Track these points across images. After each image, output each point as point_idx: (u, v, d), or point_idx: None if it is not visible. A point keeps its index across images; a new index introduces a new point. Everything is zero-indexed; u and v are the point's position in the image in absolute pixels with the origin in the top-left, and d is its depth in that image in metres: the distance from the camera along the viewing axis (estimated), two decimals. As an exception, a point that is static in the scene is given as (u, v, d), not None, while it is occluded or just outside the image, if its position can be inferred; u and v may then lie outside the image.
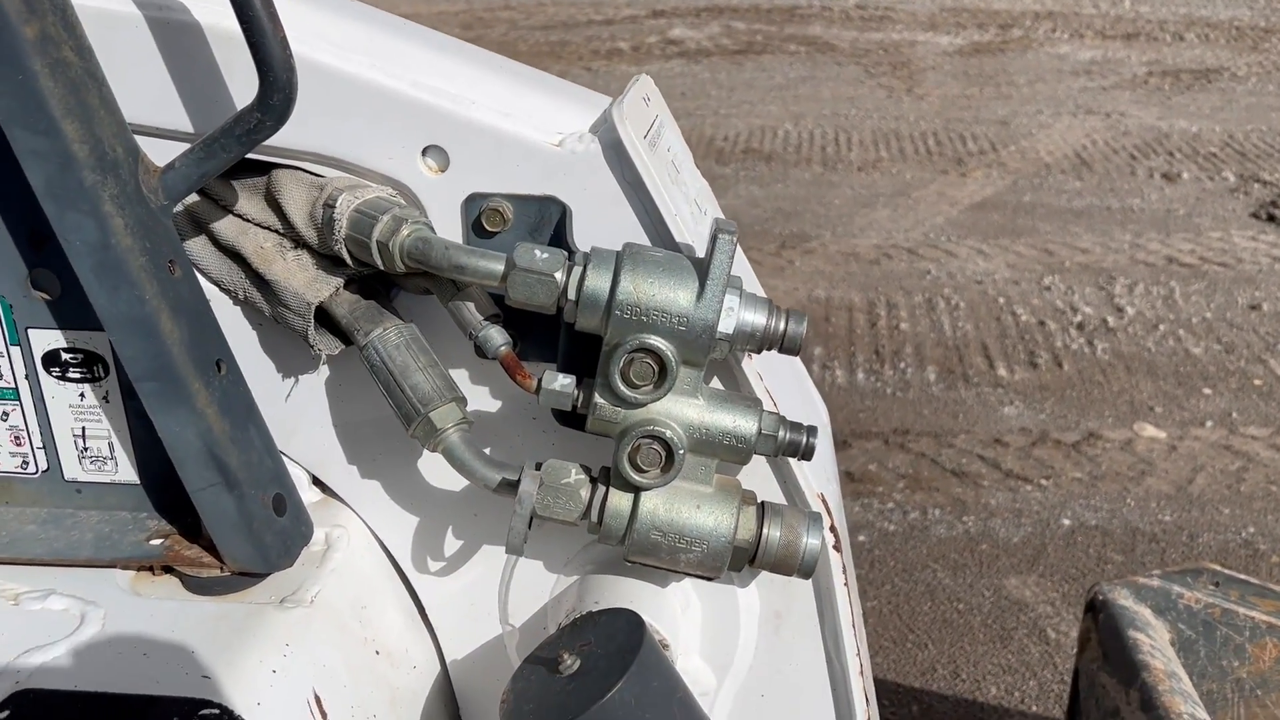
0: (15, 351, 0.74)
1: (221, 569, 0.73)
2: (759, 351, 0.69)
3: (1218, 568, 1.40)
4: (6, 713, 0.63)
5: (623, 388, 0.67)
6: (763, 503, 0.72)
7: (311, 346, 0.72)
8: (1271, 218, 5.16)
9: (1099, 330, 3.98)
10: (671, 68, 9.03)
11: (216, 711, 0.63)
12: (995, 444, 3.23)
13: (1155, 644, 1.32)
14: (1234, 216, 5.23)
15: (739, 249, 0.86)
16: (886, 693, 2.27)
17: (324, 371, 0.79)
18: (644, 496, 0.69)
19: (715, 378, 0.75)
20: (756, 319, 0.67)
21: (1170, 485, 3.02)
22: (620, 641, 0.67)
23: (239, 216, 0.74)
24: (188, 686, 0.64)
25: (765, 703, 0.79)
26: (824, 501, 0.76)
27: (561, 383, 0.70)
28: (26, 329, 0.74)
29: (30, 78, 0.59)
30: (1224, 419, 3.37)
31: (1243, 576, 1.40)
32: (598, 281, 0.66)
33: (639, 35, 10.47)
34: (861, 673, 0.76)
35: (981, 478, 3.06)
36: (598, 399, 0.68)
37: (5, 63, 0.59)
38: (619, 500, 0.70)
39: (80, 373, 0.75)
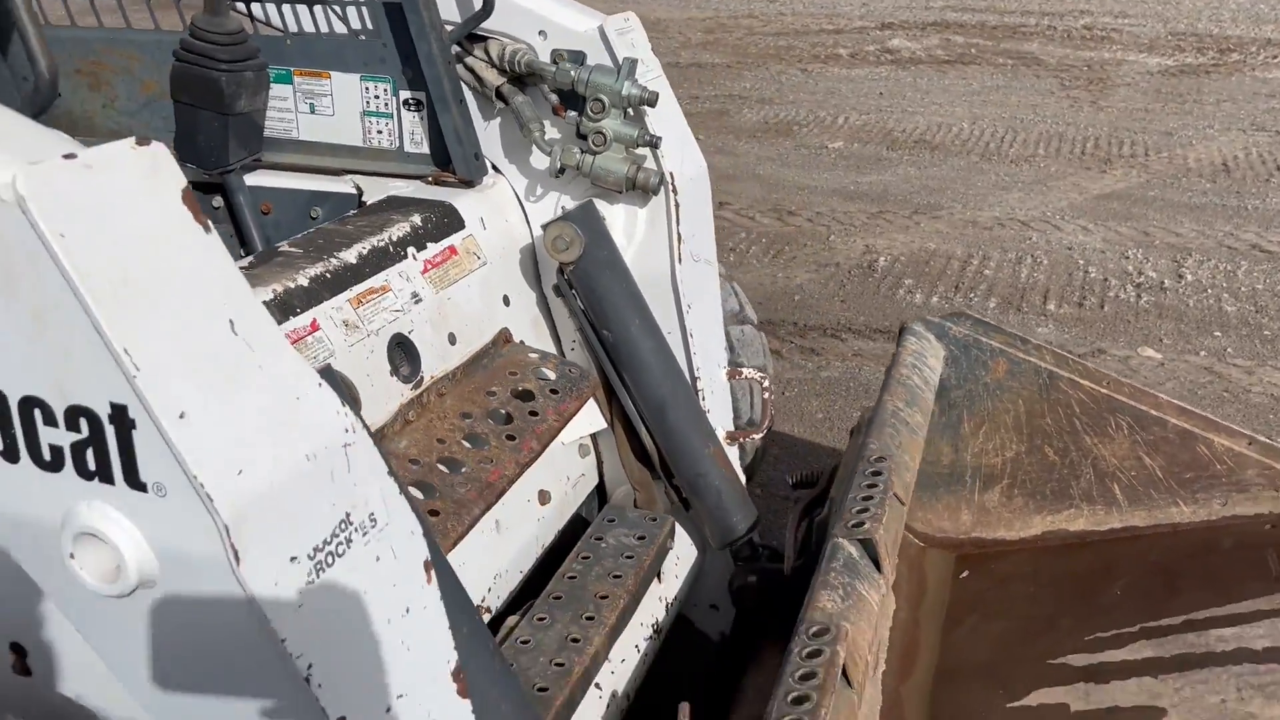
0: (394, 99, 2.08)
1: (457, 180, 2.04)
2: (640, 106, 1.92)
3: (971, 314, 2.47)
4: (386, 200, 1.96)
5: (591, 111, 1.92)
6: (640, 166, 1.95)
7: (494, 104, 2.02)
8: (1378, 222, 5.65)
9: (1152, 288, 4.80)
10: (879, 72, 10.02)
11: (454, 207, 1.93)
12: (1016, 348, 4.18)
13: (920, 351, 2.41)
14: (1342, 219, 5.75)
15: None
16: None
17: (489, 119, 2.08)
18: (597, 158, 1.94)
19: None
20: (635, 91, 1.90)
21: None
22: (584, 204, 1.92)
23: (475, 56, 2.05)
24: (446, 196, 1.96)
25: (647, 251, 2.01)
26: (671, 176, 1.98)
27: (571, 115, 1.96)
28: (398, 90, 2.07)
29: (429, 53, 1.91)
30: (1219, 352, 4.17)
31: (985, 320, 2.46)
32: (584, 75, 1.91)
33: (859, 44, 11.49)
34: (675, 234, 1.98)
35: (994, 366, 4.04)
36: (584, 120, 1.94)
37: (426, 62, 1.91)
38: (589, 158, 1.95)
39: (413, 109, 2.08)
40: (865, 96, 8.99)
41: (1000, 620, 2.37)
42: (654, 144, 1.94)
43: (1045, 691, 2.09)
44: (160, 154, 0.97)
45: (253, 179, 2.15)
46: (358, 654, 1.05)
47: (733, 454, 2.19)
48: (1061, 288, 4.82)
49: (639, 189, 1.95)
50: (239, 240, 2.18)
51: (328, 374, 1.18)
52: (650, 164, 1.98)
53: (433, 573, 1.17)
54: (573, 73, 1.92)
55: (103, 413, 0.91)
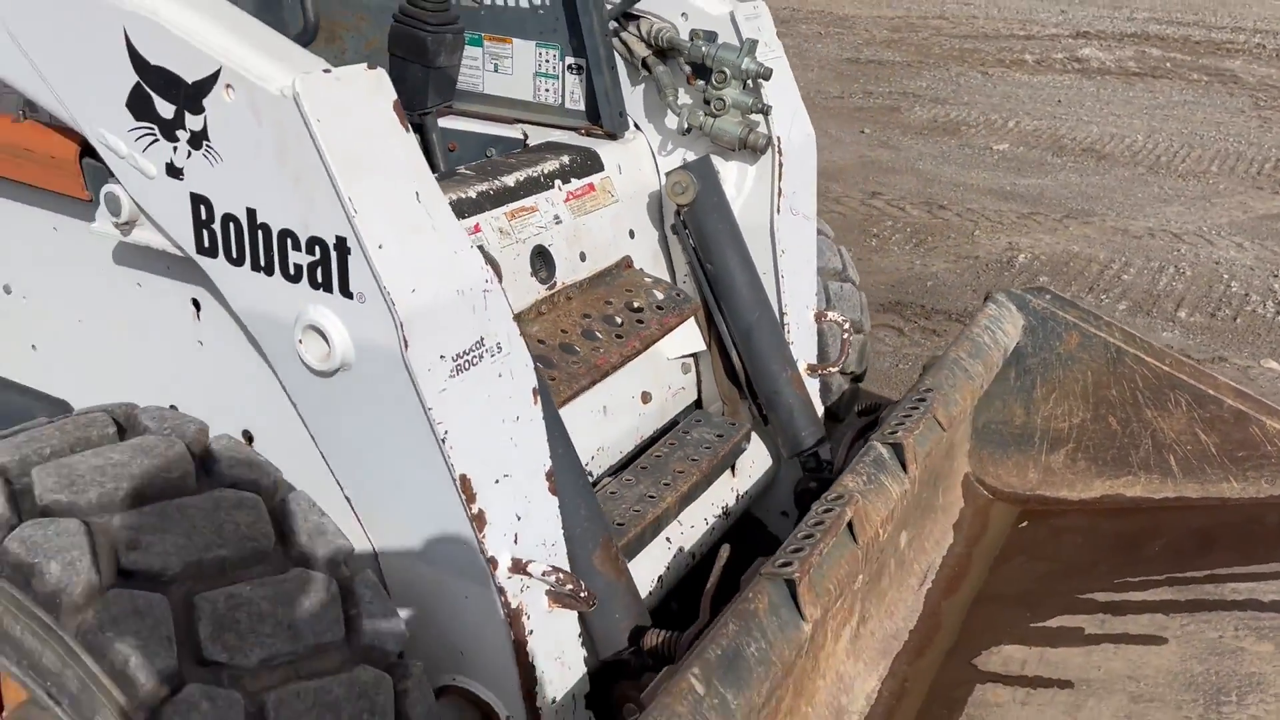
0: (560, 63, 2.54)
1: (604, 133, 2.48)
2: (756, 79, 2.30)
3: (1051, 289, 2.74)
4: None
5: (715, 81, 2.32)
6: (752, 130, 2.33)
7: (640, 72, 2.45)
8: None
9: (1293, 306, 4.81)
10: (1062, 80, 9.95)
11: (597, 153, 2.37)
12: (1135, 348, 4.33)
13: (998, 317, 2.70)
14: None
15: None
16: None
17: (635, 84, 2.50)
18: (716, 120, 2.34)
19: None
20: (753, 66, 2.29)
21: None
22: (701, 158, 2.33)
23: (628, 31, 2.48)
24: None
25: (752, 202, 2.39)
26: (778, 140, 2.36)
27: (700, 84, 2.37)
28: (564, 56, 2.53)
29: (591, 25, 2.36)
30: (1346, 371, 4.19)
31: (1064, 296, 2.72)
32: (713, 50, 2.31)
33: (1048, 51, 11.36)
34: (777, 189, 2.35)
35: (1108, 361, 4.20)
36: (709, 88, 2.34)
37: (588, 33, 2.36)
38: (710, 120, 2.35)
39: (575, 72, 2.53)
40: (1042, 103, 8.98)
41: (1044, 562, 2.66)
42: (765, 111, 2.32)
43: (1067, 617, 2.38)
44: (381, 76, 1.45)
45: (445, 122, 2.65)
46: (478, 434, 1.51)
47: (813, 386, 2.55)
48: (1198, 298, 4.89)
49: (749, 149, 2.34)
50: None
51: (481, 249, 1.64)
52: (762, 129, 2.37)
53: (539, 398, 1.62)
54: (704, 48, 2.32)
55: (330, 241, 1.39)
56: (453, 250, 1.47)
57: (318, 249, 1.41)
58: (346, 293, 1.41)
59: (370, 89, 1.42)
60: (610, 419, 2.26)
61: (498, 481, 1.55)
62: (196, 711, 1.23)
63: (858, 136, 7.68)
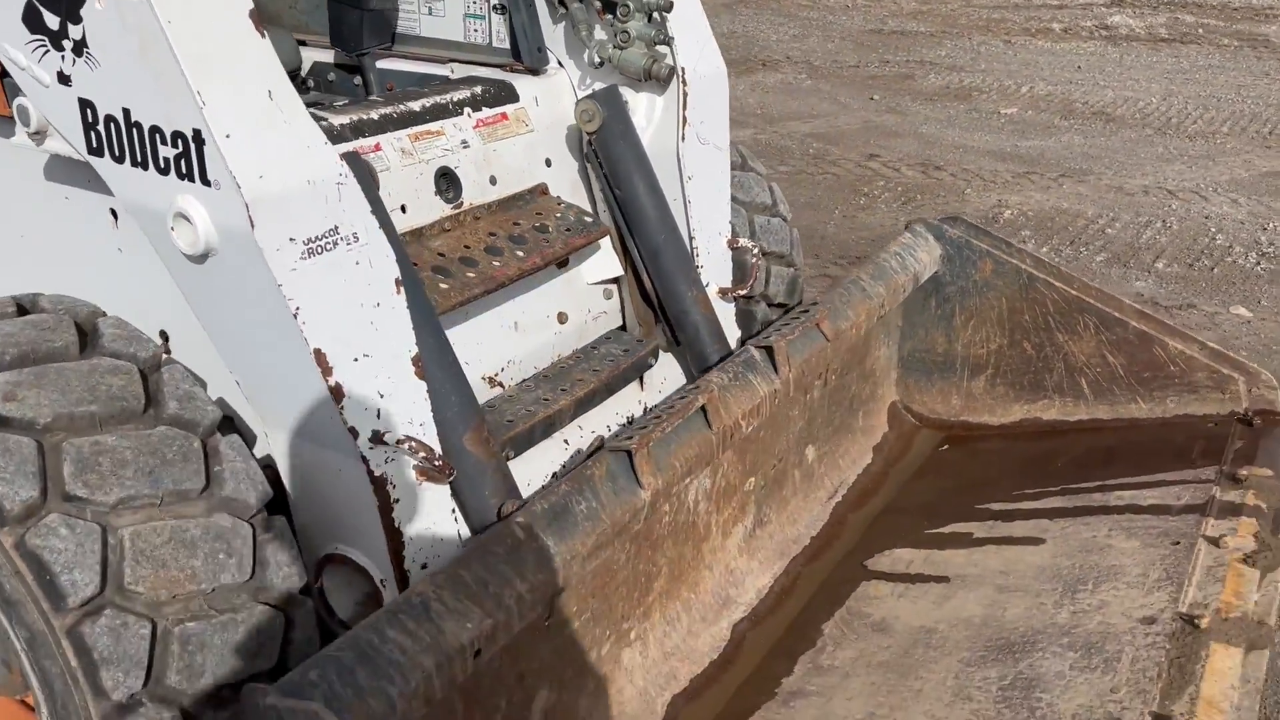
0: (487, 4, 2.69)
1: (525, 69, 2.62)
2: (656, 11, 2.42)
3: (966, 220, 2.82)
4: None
5: (620, 15, 2.45)
6: (656, 60, 2.46)
7: (558, 10, 2.58)
8: None
9: (1275, 258, 4.79)
10: (1086, 47, 9.84)
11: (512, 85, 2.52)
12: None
13: (911, 245, 2.79)
14: None
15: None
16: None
17: (557, 23, 2.64)
18: (623, 52, 2.47)
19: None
20: (655, -1, 2.42)
21: (1218, 343, 4.02)
22: (608, 87, 2.46)
23: (549, -27, 2.62)
24: (506, 81, 2.55)
25: (661, 131, 2.52)
26: (682, 70, 2.48)
27: (609, 18, 2.50)
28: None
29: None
30: (1315, 317, 4.19)
31: (978, 225, 2.81)
32: (619, -14, 2.45)
33: (1076, 20, 11.22)
34: (681, 117, 2.48)
35: (1074, 308, 4.24)
36: (616, 21, 2.47)
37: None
38: (618, 52, 2.48)
39: (500, 12, 2.67)
40: (1060, 69, 8.91)
41: (953, 479, 2.76)
42: (667, 42, 2.44)
43: (961, 524, 2.49)
44: (237, -15, 1.60)
45: (384, 64, 2.81)
46: (333, 314, 1.66)
47: (728, 310, 2.67)
48: (1180, 250, 4.90)
49: (654, 79, 2.46)
50: (371, 110, 2.85)
51: (353, 157, 1.80)
52: (667, 60, 2.49)
53: (402, 289, 1.77)
54: (617, -11, 2.46)
55: (189, 134, 1.56)
56: (305, 145, 1.63)
57: (180, 142, 1.57)
58: (206, 181, 1.58)
59: (226, -4, 1.58)
60: (522, 334, 2.40)
61: (356, 360, 1.70)
62: (56, 536, 1.41)
63: (866, 103, 7.71)
